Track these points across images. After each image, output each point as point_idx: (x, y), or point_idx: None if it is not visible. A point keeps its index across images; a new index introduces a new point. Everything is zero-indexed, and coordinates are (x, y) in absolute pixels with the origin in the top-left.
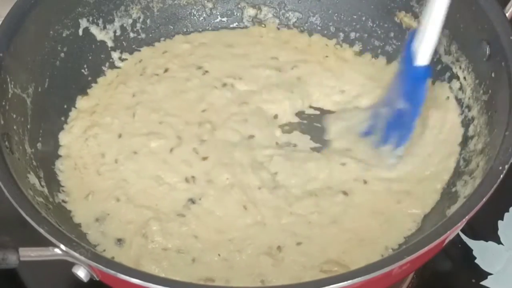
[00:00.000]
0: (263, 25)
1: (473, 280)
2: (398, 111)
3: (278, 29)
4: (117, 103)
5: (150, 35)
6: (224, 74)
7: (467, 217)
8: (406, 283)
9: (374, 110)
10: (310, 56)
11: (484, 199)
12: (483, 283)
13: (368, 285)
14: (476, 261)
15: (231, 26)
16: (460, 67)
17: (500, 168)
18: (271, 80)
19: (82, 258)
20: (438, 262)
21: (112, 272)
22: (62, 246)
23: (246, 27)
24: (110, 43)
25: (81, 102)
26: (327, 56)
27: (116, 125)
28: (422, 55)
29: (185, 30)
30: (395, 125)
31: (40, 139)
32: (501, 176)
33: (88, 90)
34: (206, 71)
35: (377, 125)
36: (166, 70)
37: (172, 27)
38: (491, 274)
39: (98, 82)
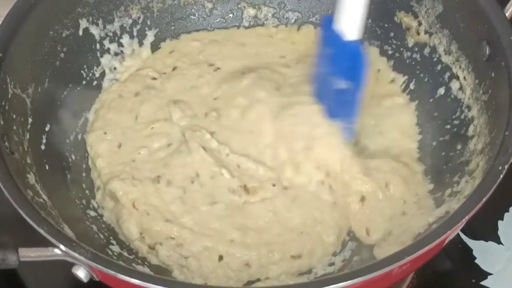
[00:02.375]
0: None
1: (473, 280)
2: (338, 91)
3: (286, 26)
4: (118, 106)
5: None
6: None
7: (467, 217)
8: (406, 283)
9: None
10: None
11: (484, 199)
12: (483, 283)
13: (368, 285)
14: (476, 261)
15: (231, 26)
16: (460, 67)
17: (500, 168)
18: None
19: (82, 258)
20: (438, 262)
21: (112, 272)
22: (62, 247)
23: (247, 27)
24: (109, 44)
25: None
26: None
27: (118, 133)
28: (351, 30)
29: (185, 30)
30: (338, 103)
31: (39, 139)
32: (501, 176)
33: (91, 92)
34: (218, 68)
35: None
36: (174, 68)
37: (173, 27)
38: (491, 274)
39: (102, 85)
